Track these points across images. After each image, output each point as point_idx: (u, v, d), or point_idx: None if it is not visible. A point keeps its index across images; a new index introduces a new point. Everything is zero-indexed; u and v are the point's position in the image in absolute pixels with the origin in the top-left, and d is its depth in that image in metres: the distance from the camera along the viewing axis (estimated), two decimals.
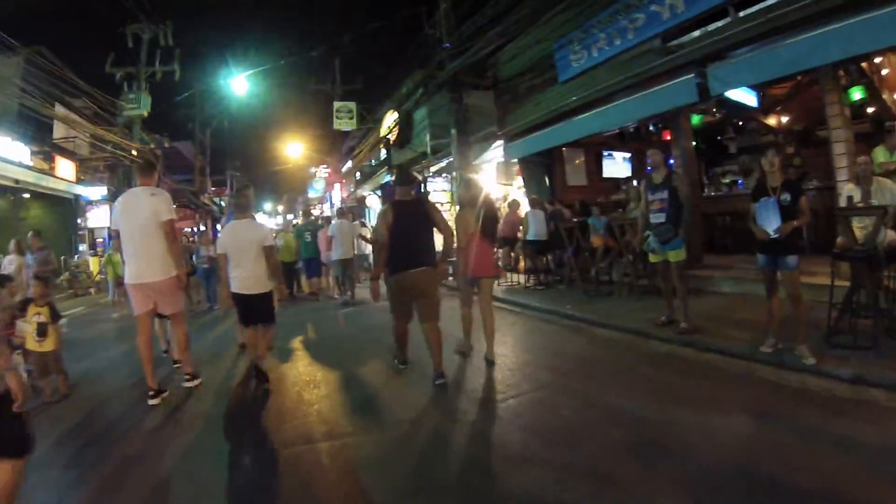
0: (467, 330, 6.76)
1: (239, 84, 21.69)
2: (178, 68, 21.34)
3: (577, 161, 15.22)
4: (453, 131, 13.65)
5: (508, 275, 12.55)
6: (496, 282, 7.43)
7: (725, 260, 10.29)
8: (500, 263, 13.13)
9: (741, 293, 8.67)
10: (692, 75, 8.42)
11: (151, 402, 5.41)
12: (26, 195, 19.87)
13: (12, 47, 16.77)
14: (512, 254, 13.25)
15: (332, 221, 12.71)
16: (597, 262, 10.15)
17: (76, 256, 21.00)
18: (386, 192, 22.56)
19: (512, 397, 5.11)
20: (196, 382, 5.98)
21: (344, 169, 33.00)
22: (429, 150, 17.11)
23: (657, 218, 6.84)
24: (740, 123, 15.44)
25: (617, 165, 16.15)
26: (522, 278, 12.33)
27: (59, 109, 20.47)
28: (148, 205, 5.46)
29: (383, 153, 23.16)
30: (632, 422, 4.31)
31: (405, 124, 19.84)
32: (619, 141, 16.06)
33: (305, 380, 6.29)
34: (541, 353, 6.71)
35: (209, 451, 4.31)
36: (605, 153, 15.80)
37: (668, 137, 13.19)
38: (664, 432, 4.06)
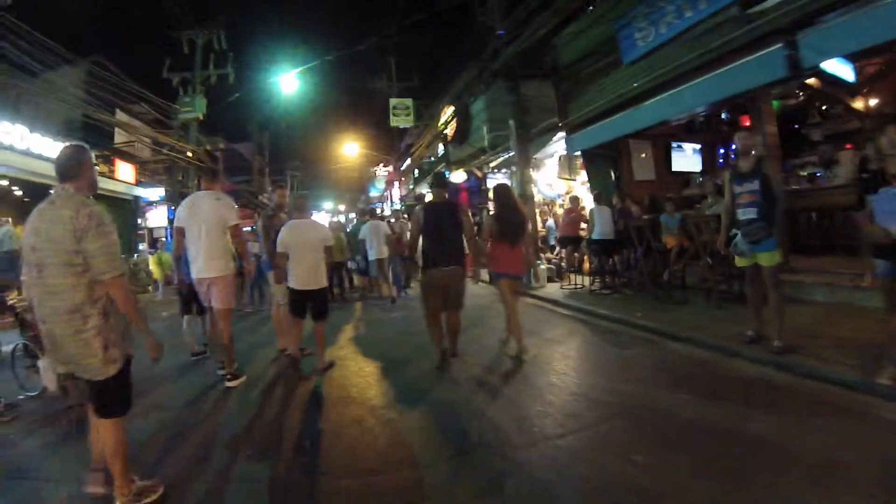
0: (437, 341, 6.48)
1: (289, 82, 21.37)
2: (232, 71, 21.49)
3: (644, 154, 14.04)
4: (512, 123, 12.75)
5: (571, 277, 11.57)
6: (522, 281, 7.64)
7: (815, 263, 9.00)
8: (560, 263, 12.23)
9: (837, 303, 7.60)
10: (779, 45, 7.25)
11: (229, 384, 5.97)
12: (90, 197, 19.85)
13: (73, 60, 17.23)
14: (575, 254, 12.28)
15: (364, 223, 12.69)
16: (670, 264, 9.12)
17: (136, 255, 21.33)
18: (449, 189, 21.95)
19: (572, 432, 4.23)
20: (237, 382, 6.04)
21: (403, 167, 32.52)
22: (487, 145, 16.27)
23: (746, 213, 5.84)
24: (824, 108, 13.96)
25: (686, 158, 14.84)
26: (587, 280, 11.34)
27: (120, 115, 21.17)
28: (214, 209, 5.92)
29: (441, 149, 22.48)
30: (728, 477, 3.37)
31: (462, 119, 19.11)
32: (688, 132, 14.83)
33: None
34: (607, 373, 5.76)
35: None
36: (674, 145, 14.52)
37: (748, 123, 12.02)
38: (771, 493, 3.13)
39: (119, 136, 22.21)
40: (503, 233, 6.54)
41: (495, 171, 19.28)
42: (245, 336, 8.99)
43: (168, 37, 21.24)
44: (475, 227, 7.07)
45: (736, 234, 6.00)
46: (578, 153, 13.21)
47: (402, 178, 33.50)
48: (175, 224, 6.11)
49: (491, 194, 7.37)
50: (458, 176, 19.76)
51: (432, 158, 25.00)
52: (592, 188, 12.94)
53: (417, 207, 6.52)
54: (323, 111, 78.97)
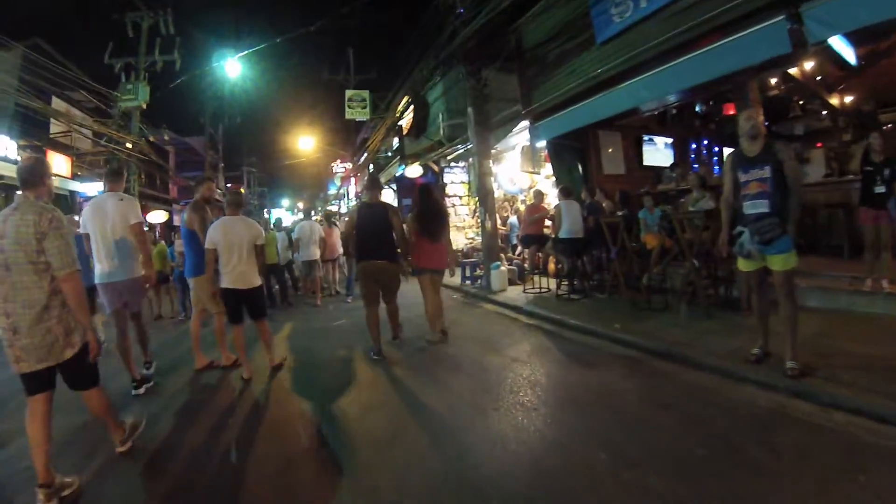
0: (373, 334, 6.81)
1: (233, 66, 20.09)
2: (179, 57, 20.17)
3: (614, 146, 13.01)
4: (470, 111, 11.52)
5: (535, 279, 10.41)
6: (444, 276, 7.56)
7: (804, 264, 8.01)
8: (526, 264, 11.11)
9: (836, 310, 6.72)
10: (781, 17, 6.24)
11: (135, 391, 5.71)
12: (19, 192, 18.29)
13: (6, 44, 16.16)
14: (539, 254, 11.15)
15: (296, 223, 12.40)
16: (650, 266, 8.05)
17: None
18: (402, 184, 20.96)
19: None
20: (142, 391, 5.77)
21: (360, 162, 31.26)
22: (443, 136, 15.08)
23: (755, 207, 4.78)
24: (800, 102, 13.20)
25: (658, 152, 13.90)
26: (552, 283, 10.25)
27: (57, 103, 20.20)
28: (117, 209, 5.69)
29: (396, 142, 21.24)
30: None
31: (419, 111, 17.89)
32: (660, 124, 13.96)
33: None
34: (587, 409, 4.53)
35: None
36: (646, 138, 13.55)
37: (732, 113, 11.11)
38: None
39: (56, 126, 20.92)
40: (424, 230, 7.02)
41: (452, 164, 18.20)
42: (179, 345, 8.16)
43: (111, 19, 19.91)
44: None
45: (742, 233, 4.91)
46: (543, 144, 12.10)
47: (359, 174, 32.21)
48: (80, 230, 5.82)
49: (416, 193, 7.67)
50: (413, 170, 18.54)
51: (388, 153, 23.77)
52: (558, 182, 11.85)
53: (352, 207, 7.24)
54: (279, 105, 76.99)
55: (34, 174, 3.69)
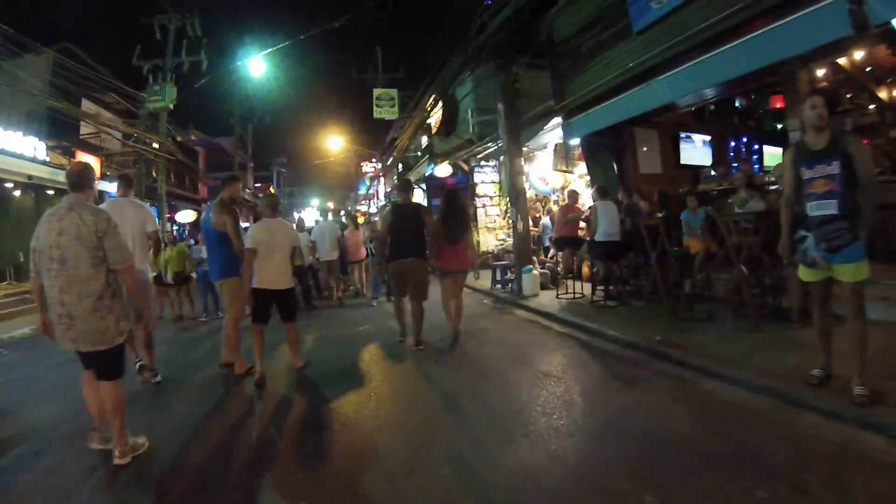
0: (400, 320, 7.53)
1: (257, 65, 20.01)
2: (206, 58, 20.34)
3: (651, 144, 12.39)
4: (500, 107, 11.01)
5: (568, 284, 9.90)
6: (469, 276, 7.93)
7: None
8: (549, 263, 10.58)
9: None
10: None
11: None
12: (50, 192, 19.15)
13: (36, 48, 16.53)
14: (574, 258, 10.61)
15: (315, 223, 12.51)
16: (694, 272, 7.47)
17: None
18: (431, 184, 20.74)
19: None
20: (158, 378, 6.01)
21: (389, 162, 30.97)
22: (472, 132, 14.60)
23: (821, 208, 4.21)
24: (848, 95, 12.44)
25: (696, 150, 13.19)
26: (586, 288, 9.72)
27: (87, 105, 20.52)
28: (136, 215, 5.88)
29: (424, 141, 20.83)
30: None
31: (448, 110, 17.45)
32: (698, 121, 13.31)
33: None
34: (629, 439, 4.00)
35: None
36: (683, 136, 12.87)
37: (780, 106, 10.45)
38: None
39: (85, 128, 21.18)
40: (449, 233, 7.29)
41: (482, 163, 17.72)
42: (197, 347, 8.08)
43: (139, 22, 20.27)
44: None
45: (805, 238, 4.35)
46: (577, 142, 11.55)
47: (388, 174, 31.94)
48: None
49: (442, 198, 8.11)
50: (442, 170, 18.12)
51: (417, 152, 23.39)
52: (593, 182, 11.30)
53: (386, 209, 7.57)
54: (308, 105, 77.35)
55: (83, 178, 4.06)
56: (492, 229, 17.83)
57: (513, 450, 3.86)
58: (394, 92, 22.01)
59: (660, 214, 8.47)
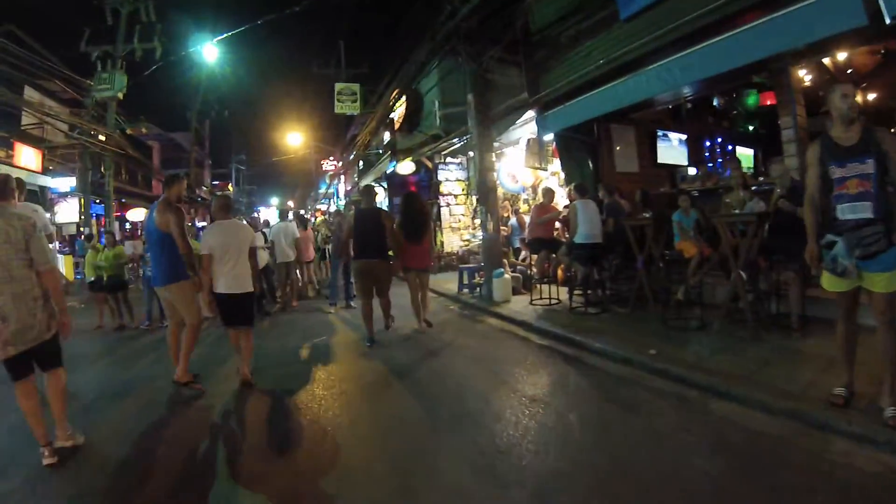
0: (368, 326, 7.54)
1: (212, 51, 19.36)
2: (160, 45, 18.99)
3: (627, 142, 11.83)
4: (470, 97, 10.24)
5: (542, 289, 9.23)
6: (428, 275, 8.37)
7: None
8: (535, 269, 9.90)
9: None
10: None
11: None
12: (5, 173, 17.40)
13: None
14: (548, 262, 9.95)
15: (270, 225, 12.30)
16: (687, 277, 6.89)
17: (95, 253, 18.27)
18: (393, 182, 19.98)
19: None
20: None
21: (350, 159, 30.08)
22: (438, 125, 13.86)
23: (854, 211, 3.66)
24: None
25: (672, 150, 12.69)
26: (562, 292, 9.10)
27: (30, 93, 19.02)
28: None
29: (387, 137, 20.02)
30: None
31: (412, 104, 16.68)
32: (675, 119, 12.85)
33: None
34: (641, 480, 3.31)
35: None
36: (660, 133, 12.37)
37: (771, 102, 9.99)
38: None
39: (27, 117, 19.49)
40: (409, 235, 7.90)
41: (447, 160, 17.02)
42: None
43: (89, 4, 18.83)
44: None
45: (833, 243, 3.75)
46: (550, 137, 10.92)
47: (348, 171, 31.02)
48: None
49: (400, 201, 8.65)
50: (405, 167, 17.33)
51: (379, 150, 22.52)
52: (568, 180, 10.68)
53: (350, 213, 7.64)
54: (269, 101, 75.74)
55: (5, 189, 4.12)
56: (456, 229, 17.14)
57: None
58: (356, 86, 21.15)
59: (647, 214, 7.85)
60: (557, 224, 10.04)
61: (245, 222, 8.48)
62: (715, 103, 13.85)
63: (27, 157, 18.76)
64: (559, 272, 9.87)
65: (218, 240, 5.78)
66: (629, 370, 5.51)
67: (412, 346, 7.26)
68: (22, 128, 19.54)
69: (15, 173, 16.48)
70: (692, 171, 12.63)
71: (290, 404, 5.13)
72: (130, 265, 10.27)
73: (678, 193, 7.55)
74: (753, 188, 7.91)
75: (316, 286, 13.32)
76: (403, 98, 16.86)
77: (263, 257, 10.22)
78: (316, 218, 26.40)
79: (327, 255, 12.54)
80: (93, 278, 9.99)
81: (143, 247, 11.26)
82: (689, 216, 7.16)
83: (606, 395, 4.91)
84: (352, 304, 10.54)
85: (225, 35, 16.84)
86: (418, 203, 8.37)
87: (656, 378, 5.19)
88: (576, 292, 8.68)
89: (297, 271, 11.97)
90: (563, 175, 11.52)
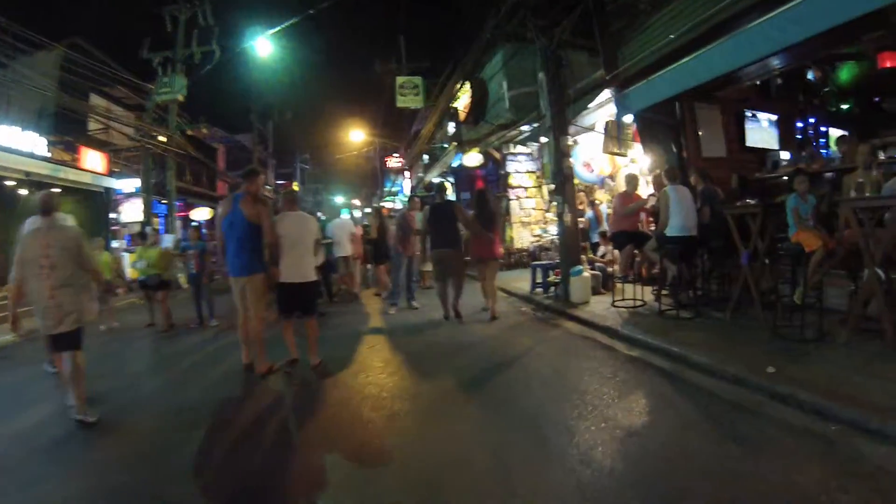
0: (444, 304, 8.51)
1: (264, 45, 19.13)
2: (217, 48, 19.01)
3: (713, 123, 10.51)
4: (541, 76, 9.25)
5: (623, 288, 8.27)
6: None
7: None
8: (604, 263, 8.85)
9: None
10: None
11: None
12: (56, 189, 17.55)
13: (44, 44, 15.65)
14: (637, 257, 8.89)
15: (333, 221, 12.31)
16: (807, 276, 5.74)
17: (136, 249, 18.50)
18: (460, 176, 19.87)
19: None
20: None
21: (413, 154, 29.48)
22: (507, 108, 12.86)
23: None
24: None
25: (762, 132, 11.21)
26: (646, 293, 8.10)
27: (96, 100, 19.88)
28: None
29: (452, 128, 19.18)
30: None
31: (477, 94, 15.71)
32: (764, 97, 11.41)
33: None
34: None
35: None
36: (748, 114, 10.98)
37: (891, 64, 8.61)
38: None
39: (94, 123, 20.28)
40: (482, 226, 8.38)
41: (515, 151, 16.09)
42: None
43: (149, 13, 19.31)
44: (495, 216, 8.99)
45: None
46: (631, 119, 9.80)
47: (412, 167, 30.41)
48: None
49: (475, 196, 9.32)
50: (471, 158, 16.47)
51: (444, 144, 21.71)
52: (653, 165, 9.56)
53: (425, 208, 8.81)
54: (331, 101, 76.14)
55: (50, 205, 4.98)
56: (527, 224, 16.19)
57: None
58: (418, 80, 20.50)
59: (751, 201, 6.68)
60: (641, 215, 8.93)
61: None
62: (810, 76, 12.35)
63: (93, 160, 19.10)
64: (643, 270, 8.78)
65: (286, 229, 6.05)
66: (743, 393, 4.47)
67: (482, 354, 6.48)
68: (88, 133, 20.19)
69: (80, 176, 17.26)
70: (784, 155, 11.26)
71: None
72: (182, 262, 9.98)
73: (795, 174, 6.26)
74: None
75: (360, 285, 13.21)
76: (468, 87, 15.94)
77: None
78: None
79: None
80: (144, 277, 9.82)
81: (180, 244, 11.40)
82: (806, 202, 5.97)
83: (721, 428, 3.88)
84: (414, 304, 9.97)
85: (279, 28, 16.34)
86: (490, 203, 8.98)
87: (780, 405, 4.15)
88: (664, 293, 7.62)
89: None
90: (642, 162, 10.39)
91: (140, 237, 11.44)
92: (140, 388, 6.17)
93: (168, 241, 15.26)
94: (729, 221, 6.47)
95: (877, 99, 12.17)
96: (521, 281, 11.48)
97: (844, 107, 12.99)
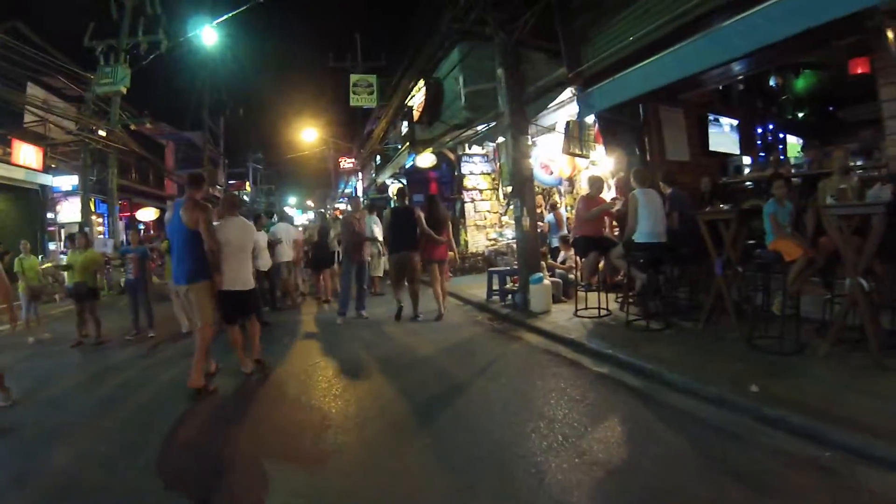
0: (397, 297, 9.08)
1: (211, 35, 19.23)
2: (164, 37, 18.05)
3: (677, 126, 10.18)
4: (500, 73, 8.77)
5: (587, 298, 7.80)
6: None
7: None
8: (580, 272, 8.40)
9: None
10: None
11: None
12: None
13: None
14: (601, 265, 8.39)
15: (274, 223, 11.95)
16: (788, 285, 5.38)
17: (40, 257, 17.17)
18: (413, 178, 19.11)
19: None
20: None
21: (366, 154, 28.91)
22: (462, 105, 12.37)
23: None
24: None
25: (723, 136, 11.02)
26: (610, 300, 7.72)
27: (33, 90, 18.65)
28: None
29: (405, 127, 18.66)
30: None
31: (433, 95, 15.21)
32: (725, 102, 11.21)
33: None
34: None
35: None
36: (711, 118, 10.75)
37: (862, 70, 8.37)
38: None
39: (30, 115, 18.75)
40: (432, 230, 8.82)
41: (472, 151, 15.71)
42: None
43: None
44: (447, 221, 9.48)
45: None
46: (593, 120, 9.43)
47: (365, 168, 29.82)
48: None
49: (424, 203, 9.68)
50: (425, 159, 15.93)
51: (398, 146, 21.16)
52: (617, 168, 9.20)
53: (385, 212, 9.82)
54: (284, 98, 74.74)
55: None
56: (482, 227, 15.76)
57: None
58: (372, 78, 20.23)
59: (724, 206, 6.31)
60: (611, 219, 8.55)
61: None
62: (772, 83, 12.25)
63: (26, 154, 18.10)
64: (607, 277, 8.37)
65: (230, 236, 5.92)
66: (728, 416, 4.04)
67: (437, 372, 5.93)
68: (24, 125, 18.80)
69: (12, 172, 16.15)
70: (745, 160, 11.12)
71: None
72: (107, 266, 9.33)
73: (772, 178, 5.92)
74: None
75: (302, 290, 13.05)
76: (422, 86, 15.44)
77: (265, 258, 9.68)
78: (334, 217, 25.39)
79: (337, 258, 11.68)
80: (69, 286, 9.00)
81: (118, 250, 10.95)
82: (784, 207, 5.63)
83: (712, 461, 3.41)
84: (364, 313, 9.37)
85: (227, 16, 15.76)
86: (440, 207, 9.41)
87: (770, 430, 3.75)
88: (630, 301, 7.23)
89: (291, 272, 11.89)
90: (604, 164, 10.03)
91: (70, 240, 10.55)
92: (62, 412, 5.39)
93: (107, 245, 14.34)
94: (702, 227, 6.09)
95: (831, 108, 12.34)
96: (475, 287, 11.02)
97: (801, 114, 13.00)
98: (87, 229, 17.52)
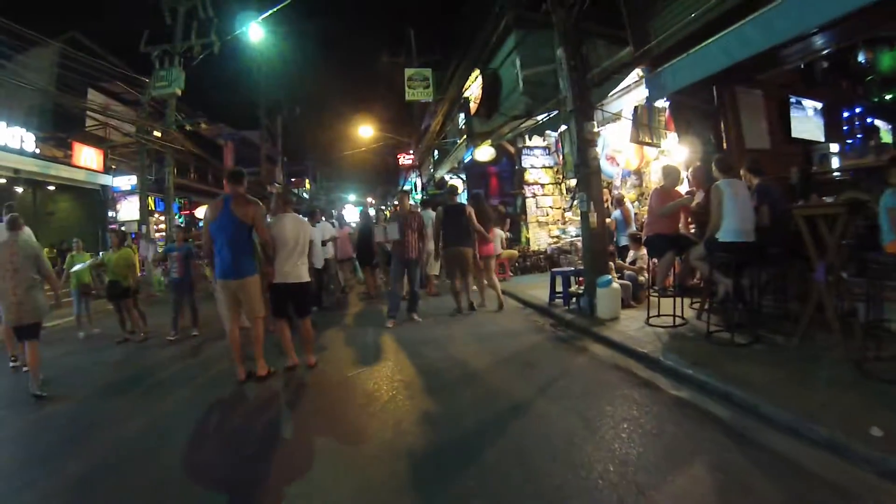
0: (456, 299, 9.27)
1: (256, 30, 19.75)
2: (217, 40, 18.44)
3: (755, 110, 9.11)
4: (560, 53, 7.92)
5: (660, 303, 6.98)
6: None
7: None
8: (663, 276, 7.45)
9: None
10: None
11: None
12: (51, 187, 18.86)
13: (39, 40, 15.40)
14: (678, 267, 7.29)
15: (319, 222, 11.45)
16: None
17: (100, 254, 17.62)
18: (471, 173, 18.84)
19: None
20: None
21: (423, 150, 28.49)
22: (521, 87, 11.59)
23: None
24: None
25: (807, 121, 9.79)
26: (685, 305, 6.92)
27: (94, 95, 20.01)
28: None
29: (462, 119, 18.06)
30: None
31: (490, 86, 14.58)
32: (808, 83, 9.98)
33: None
34: None
35: None
36: (792, 101, 9.60)
37: None
38: None
39: (92, 119, 20.25)
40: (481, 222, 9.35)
41: (532, 142, 15.12)
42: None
43: (148, 6, 18.86)
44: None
45: None
46: (661, 104, 8.52)
47: (422, 163, 29.45)
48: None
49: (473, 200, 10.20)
50: (483, 153, 15.35)
51: (456, 140, 20.61)
52: (692, 157, 8.27)
53: (438, 209, 9.67)
54: (342, 96, 75.30)
55: (17, 223, 6.29)
56: (544, 223, 15.01)
57: None
58: (427, 71, 19.62)
59: (827, 199, 5.38)
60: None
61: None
62: (861, 59, 10.97)
63: (87, 156, 18.95)
64: (692, 279, 7.45)
65: (282, 231, 6.18)
66: (842, 467, 3.22)
67: (493, 389, 5.28)
68: (86, 129, 20.20)
69: (74, 173, 16.51)
70: (833, 147, 9.89)
71: None
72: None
73: (889, 165, 4.89)
74: None
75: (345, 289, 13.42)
76: (478, 76, 14.79)
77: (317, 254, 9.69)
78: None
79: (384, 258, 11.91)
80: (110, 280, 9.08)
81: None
82: None
83: None
84: (416, 316, 8.90)
85: (273, 11, 15.56)
86: (485, 205, 10.27)
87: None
88: (705, 308, 6.38)
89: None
90: (676, 154, 9.11)
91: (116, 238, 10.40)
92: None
93: (148, 250, 14.50)
94: (800, 225, 5.18)
95: None
96: (537, 288, 10.38)
97: (888, 97, 11.63)
98: (143, 227, 18.24)
